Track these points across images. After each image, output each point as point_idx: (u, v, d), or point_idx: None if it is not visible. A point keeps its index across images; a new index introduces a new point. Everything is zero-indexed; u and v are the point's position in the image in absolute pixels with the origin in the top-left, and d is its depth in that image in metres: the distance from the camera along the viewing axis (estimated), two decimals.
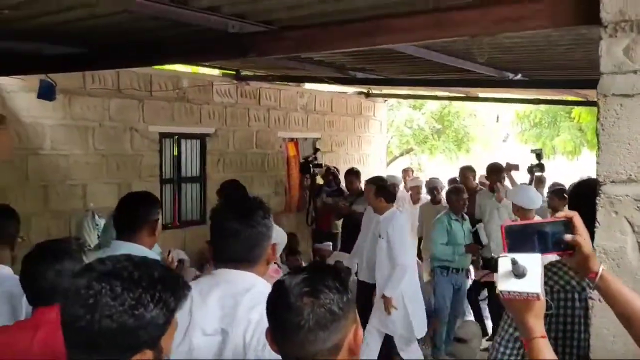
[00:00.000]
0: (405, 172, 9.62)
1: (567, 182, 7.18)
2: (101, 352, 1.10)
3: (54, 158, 6.04)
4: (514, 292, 1.34)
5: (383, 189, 5.28)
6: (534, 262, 1.36)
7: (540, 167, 7.16)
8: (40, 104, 5.50)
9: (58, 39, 4.25)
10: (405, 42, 3.20)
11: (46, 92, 5.02)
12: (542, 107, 13.57)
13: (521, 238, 1.43)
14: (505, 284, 1.36)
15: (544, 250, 1.42)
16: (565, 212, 1.47)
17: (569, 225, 1.43)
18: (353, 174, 7.41)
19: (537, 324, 1.37)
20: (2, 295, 2.55)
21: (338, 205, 7.35)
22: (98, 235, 3.38)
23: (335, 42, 3.12)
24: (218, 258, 1.93)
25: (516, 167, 6.99)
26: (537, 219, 1.49)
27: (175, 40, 3.86)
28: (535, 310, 1.37)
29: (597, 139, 2.03)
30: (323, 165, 8.22)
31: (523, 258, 1.36)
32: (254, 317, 1.74)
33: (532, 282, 1.34)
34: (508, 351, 1.94)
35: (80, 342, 1.12)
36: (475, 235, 6.24)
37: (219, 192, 5.61)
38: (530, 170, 7.13)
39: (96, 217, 3.65)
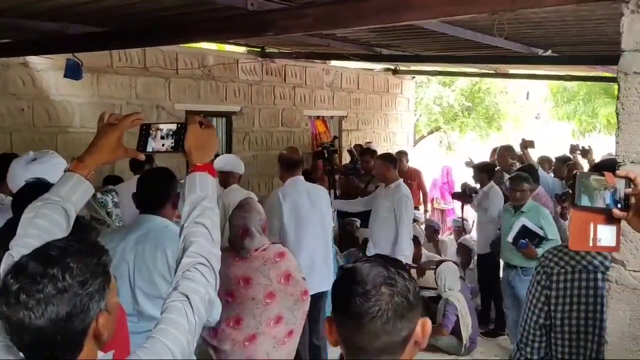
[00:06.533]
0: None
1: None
2: None
3: (83, 135, 6.14)
4: None
5: None
6: None
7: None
8: (69, 83, 5.60)
9: (82, 19, 4.30)
10: (422, 19, 3.14)
11: (73, 72, 5.09)
12: (578, 83, 13.23)
13: (591, 190, 1.43)
14: None
15: (608, 206, 1.42)
16: (627, 171, 1.46)
17: (629, 184, 1.43)
18: (369, 153, 7.20)
19: None
20: None
21: (354, 185, 7.20)
22: (107, 212, 3.41)
23: (356, 19, 3.07)
24: None
25: (531, 144, 6.37)
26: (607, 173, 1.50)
27: (196, 19, 3.86)
28: None
29: (617, 118, 1.97)
30: (338, 151, 8.16)
31: None
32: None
33: None
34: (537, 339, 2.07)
35: None
36: None
37: None
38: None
39: (98, 195, 3.65)
